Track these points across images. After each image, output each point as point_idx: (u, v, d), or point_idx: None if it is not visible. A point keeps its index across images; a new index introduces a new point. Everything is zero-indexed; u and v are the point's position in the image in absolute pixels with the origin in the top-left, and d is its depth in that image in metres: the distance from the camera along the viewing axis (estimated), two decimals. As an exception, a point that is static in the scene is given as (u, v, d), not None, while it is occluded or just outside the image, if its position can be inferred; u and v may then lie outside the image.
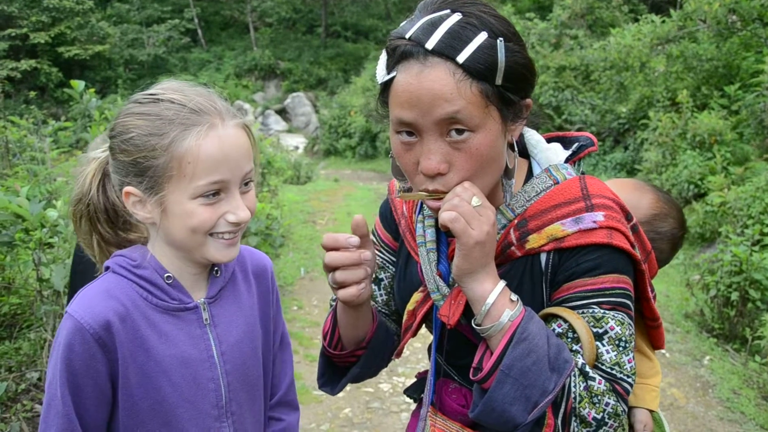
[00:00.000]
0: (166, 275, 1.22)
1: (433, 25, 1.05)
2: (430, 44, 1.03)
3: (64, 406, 1.13)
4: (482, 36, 1.04)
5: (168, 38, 30.26)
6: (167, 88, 1.19)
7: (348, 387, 4.42)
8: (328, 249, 1.16)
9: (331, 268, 1.17)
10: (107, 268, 1.24)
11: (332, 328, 1.35)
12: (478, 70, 1.03)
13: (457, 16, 1.05)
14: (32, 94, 19.01)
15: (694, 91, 11.03)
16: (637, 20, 14.25)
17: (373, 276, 1.47)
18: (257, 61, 29.84)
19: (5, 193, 3.83)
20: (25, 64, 24.41)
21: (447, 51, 1.03)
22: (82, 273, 2.23)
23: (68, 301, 2.37)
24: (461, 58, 1.02)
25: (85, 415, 1.16)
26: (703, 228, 8.10)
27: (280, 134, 23.81)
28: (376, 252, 1.48)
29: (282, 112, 27.73)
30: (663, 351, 5.21)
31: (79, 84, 5.14)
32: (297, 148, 23.10)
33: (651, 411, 1.54)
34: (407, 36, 1.06)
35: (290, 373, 1.50)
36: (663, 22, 11.85)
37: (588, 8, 16.22)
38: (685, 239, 1.80)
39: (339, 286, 1.17)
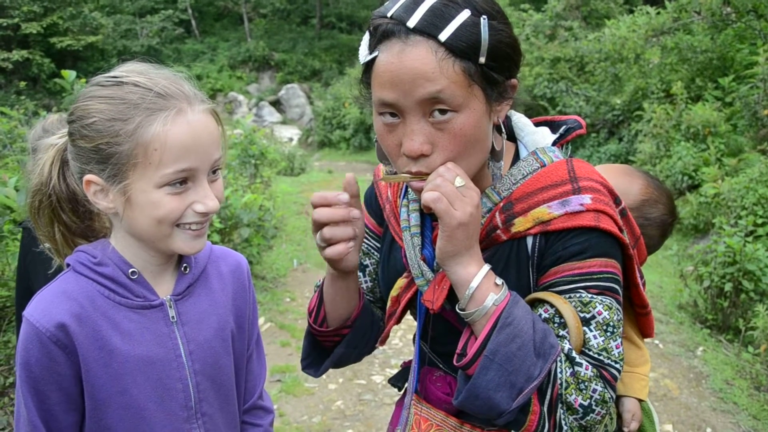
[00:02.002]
0: (130, 270, 1.17)
1: (415, 3, 1.02)
2: (411, 22, 1.01)
3: (28, 412, 1.10)
4: (465, 14, 1.01)
5: (161, 29, 30.08)
6: (131, 70, 1.13)
7: (340, 379, 4.42)
8: (317, 206, 1.14)
9: (319, 225, 1.14)
10: (68, 265, 1.18)
11: (318, 305, 1.33)
12: (461, 48, 1.01)
13: None
14: (22, 84, 18.84)
15: (689, 83, 11.04)
16: (632, 12, 14.21)
17: (359, 263, 1.45)
18: (251, 52, 29.70)
19: (-5, 183, 3.79)
20: (17, 54, 24.16)
21: (429, 29, 1.00)
22: (32, 264, 2.16)
23: (17, 297, 2.31)
24: (443, 36, 1.00)
25: (53, 420, 1.12)
26: (697, 219, 8.10)
27: (274, 126, 23.75)
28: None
29: (276, 104, 27.62)
30: (656, 342, 5.21)
31: (70, 74, 5.07)
32: (291, 139, 23.03)
33: (640, 400, 1.52)
34: (389, 15, 1.04)
35: (264, 377, 1.46)
36: (658, 13, 11.82)
37: (583, 0, 16.19)
38: (675, 226, 1.78)
39: (327, 243, 1.14)
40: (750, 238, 5.58)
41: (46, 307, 1.11)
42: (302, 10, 32.85)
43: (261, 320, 5.40)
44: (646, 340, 1.58)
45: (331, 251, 1.13)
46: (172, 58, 29.15)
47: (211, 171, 1.14)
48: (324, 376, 4.48)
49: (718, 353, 5.05)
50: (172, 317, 1.21)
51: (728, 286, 5.22)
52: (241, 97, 27.55)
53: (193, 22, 31.84)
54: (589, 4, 16.37)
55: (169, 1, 31.72)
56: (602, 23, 14.60)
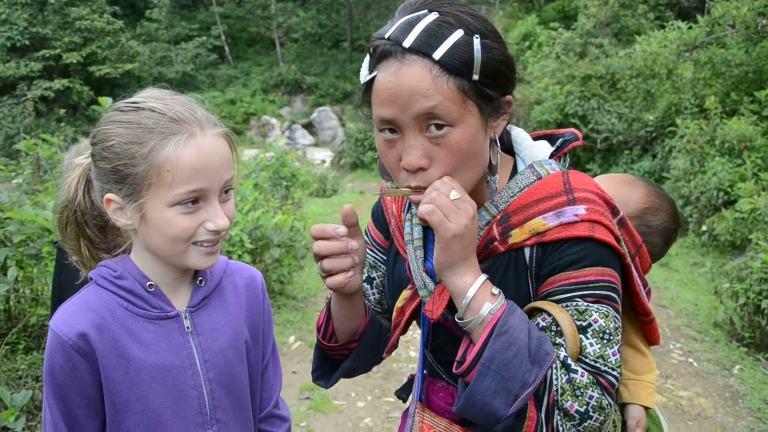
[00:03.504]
0: (148, 283, 1.24)
1: (411, 25, 1.07)
2: (407, 42, 1.06)
3: (52, 416, 1.18)
4: (458, 33, 1.06)
5: (196, 55, 30.79)
6: (149, 96, 1.20)
7: (369, 397, 4.44)
8: (316, 239, 1.20)
9: (319, 257, 1.20)
10: (91, 279, 1.26)
11: (326, 321, 1.38)
12: (454, 66, 1.05)
13: (433, 15, 1.08)
14: (62, 111, 19.46)
15: (723, 97, 10.87)
16: (663, 27, 14.12)
17: (365, 275, 1.49)
18: (283, 76, 30.17)
19: (33, 207, 3.92)
20: (58, 83, 25.09)
21: (423, 48, 1.05)
22: (66, 280, 2.24)
23: (52, 311, 2.39)
24: (437, 55, 1.05)
25: (76, 424, 1.19)
26: (734, 235, 7.95)
27: (306, 148, 24.00)
28: (369, 251, 1.50)
29: (308, 126, 27.97)
30: (690, 360, 5.11)
31: (106, 101, 5.23)
32: (323, 161, 23.26)
33: (646, 408, 1.51)
34: (386, 36, 1.09)
35: (279, 386, 1.50)
36: (690, 28, 11.72)
37: (613, 16, 16.12)
38: (678, 233, 1.78)
39: (327, 274, 1.20)
40: (787, 254, 5.44)
41: (69, 318, 1.19)
42: (333, 33, 33.33)
43: (291, 339, 5.45)
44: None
45: (331, 282, 1.20)
46: (206, 84, 29.81)
47: (222, 191, 1.20)
48: (353, 393, 4.52)
49: (756, 372, 4.93)
50: (187, 327, 1.27)
51: (765, 303, 5.09)
52: (274, 121, 27.98)
53: (227, 48, 32.52)
54: (620, 20, 16.28)
55: (203, 28, 32.49)
56: (633, 39, 14.53)
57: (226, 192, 1.22)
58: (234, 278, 1.40)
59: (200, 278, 1.32)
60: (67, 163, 2.23)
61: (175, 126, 1.15)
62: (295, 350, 5.25)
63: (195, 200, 1.16)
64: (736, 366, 5.04)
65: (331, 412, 4.17)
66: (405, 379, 1.58)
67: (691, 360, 5.13)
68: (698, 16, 11.89)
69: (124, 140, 1.15)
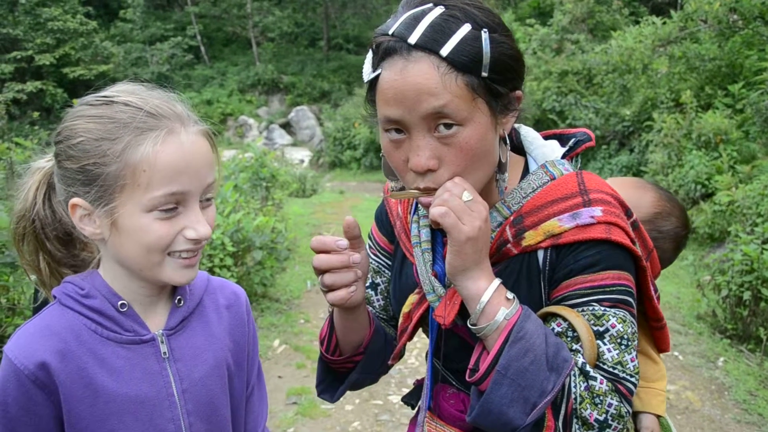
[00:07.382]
0: (119, 302, 1.10)
1: (416, 20, 1.03)
2: (412, 39, 1.01)
3: None
4: (466, 28, 1.01)
5: (171, 56, 30.45)
6: (122, 90, 1.08)
7: (357, 400, 4.39)
8: (317, 252, 1.14)
9: (320, 271, 1.14)
10: (55, 297, 1.11)
11: (329, 334, 1.32)
12: (463, 62, 1.01)
13: (439, 9, 1.03)
14: (35, 115, 19.10)
15: (698, 91, 11.00)
16: (637, 22, 14.23)
17: (369, 281, 1.44)
18: (260, 75, 29.97)
19: (8, 213, 3.82)
20: (31, 85, 24.61)
21: (430, 45, 1.00)
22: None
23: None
24: (445, 51, 1.00)
25: None
26: (712, 228, 8.03)
27: (284, 148, 23.83)
28: (373, 256, 1.45)
29: (286, 126, 27.80)
30: (676, 353, 5.14)
31: (80, 103, 5.13)
32: (302, 161, 23.10)
33: (658, 416, 1.49)
34: (390, 32, 1.04)
35: (265, 416, 1.36)
36: (664, 23, 11.82)
37: (588, 12, 16.24)
38: (688, 240, 1.75)
39: (328, 289, 1.14)
40: (767, 245, 5.50)
41: (26, 344, 1.05)
42: (309, 32, 33.17)
43: (275, 342, 5.39)
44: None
45: (332, 297, 1.14)
46: (182, 84, 29.47)
47: (203, 196, 1.08)
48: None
49: (740, 363, 4.97)
50: (164, 353, 1.13)
51: (747, 295, 5.14)
52: (251, 121, 27.77)
53: (203, 48, 32.20)
54: (595, 16, 16.41)
55: (178, 28, 32.14)
56: (608, 35, 14.63)
57: (207, 198, 1.09)
58: (216, 297, 1.26)
59: (178, 297, 1.18)
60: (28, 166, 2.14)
61: (153, 121, 1.02)
62: (280, 354, 5.19)
63: (174, 205, 1.03)
64: (721, 358, 5.08)
65: (319, 417, 4.12)
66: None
67: (676, 353, 5.16)
68: (672, 12, 12.00)
69: (94, 136, 1.01)
